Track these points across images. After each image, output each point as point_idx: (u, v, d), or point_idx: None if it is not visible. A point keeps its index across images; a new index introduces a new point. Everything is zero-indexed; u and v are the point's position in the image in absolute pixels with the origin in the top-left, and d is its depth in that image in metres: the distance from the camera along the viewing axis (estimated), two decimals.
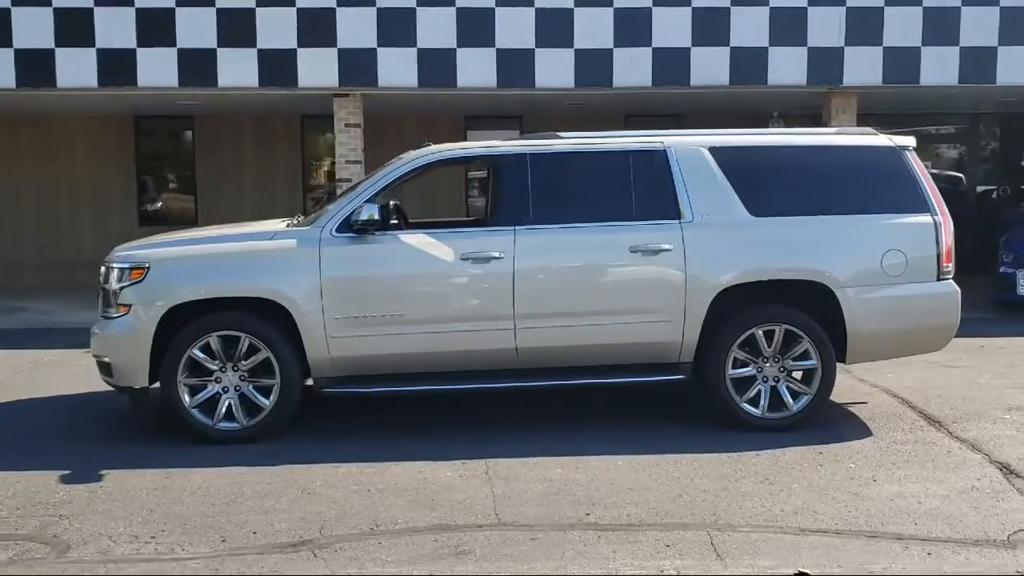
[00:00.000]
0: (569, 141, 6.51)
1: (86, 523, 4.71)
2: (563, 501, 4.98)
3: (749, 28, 11.43)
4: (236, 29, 11.19)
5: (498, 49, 11.33)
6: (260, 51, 11.26)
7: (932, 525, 4.63)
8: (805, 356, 6.28)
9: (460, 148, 6.54)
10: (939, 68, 11.62)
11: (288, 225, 6.63)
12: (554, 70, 11.39)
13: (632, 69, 11.39)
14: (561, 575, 4.07)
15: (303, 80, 11.35)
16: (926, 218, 6.36)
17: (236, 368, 6.07)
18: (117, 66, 11.18)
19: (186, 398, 6.05)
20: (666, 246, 6.19)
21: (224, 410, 6.07)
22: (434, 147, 6.51)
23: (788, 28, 11.47)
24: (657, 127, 15.14)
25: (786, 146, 6.56)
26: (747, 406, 6.28)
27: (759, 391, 6.30)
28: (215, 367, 6.06)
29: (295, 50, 11.27)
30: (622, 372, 6.34)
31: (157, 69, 11.20)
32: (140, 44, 11.16)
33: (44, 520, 4.76)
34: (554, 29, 11.30)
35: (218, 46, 11.22)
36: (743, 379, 6.30)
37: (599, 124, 14.50)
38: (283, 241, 6.16)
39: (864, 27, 11.52)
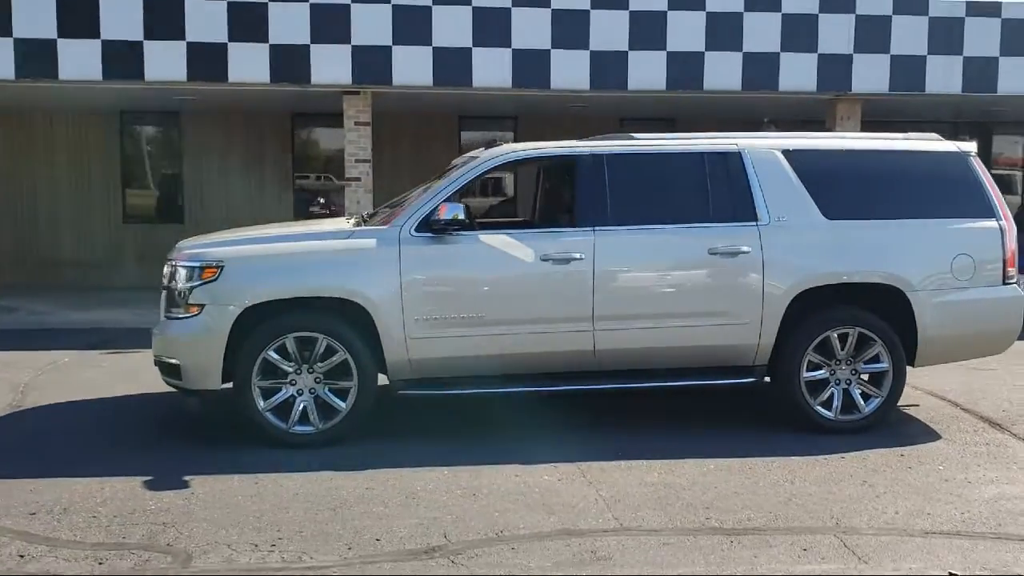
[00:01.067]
0: (645, 142, 6.47)
1: (196, 531, 4.52)
2: (675, 505, 4.93)
3: (761, 34, 11.53)
4: (247, 23, 10.93)
5: (514, 50, 11.26)
6: (272, 46, 11.01)
7: None
8: (877, 359, 6.33)
9: (536, 148, 6.45)
10: (944, 77, 11.87)
11: (355, 224, 6.49)
12: (569, 71, 11.36)
13: (648, 72, 11.40)
14: None
15: (316, 77, 11.13)
16: (992, 223, 6.47)
17: (312, 370, 5.90)
18: (122, 58, 10.82)
19: (260, 401, 5.86)
20: (744, 248, 6.18)
21: (299, 413, 5.90)
22: (511, 146, 6.42)
23: (799, 35, 11.61)
24: (653, 130, 15.30)
25: (857, 150, 6.61)
26: (821, 409, 6.30)
27: (832, 394, 6.33)
28: (290, 369, 5.88)
29: (308, 46, 11.05)
30: (697, 375, 6.32)
31: (165, 62, 10.88)
32: (147, 37, 10.82)
33: (150, 528, 4.56)
34: (570, 30, 11.27)
35: (229, 40, 10.95)
36: (816, 382, 6.32)
37: (595, 126, 14.53)
38: (361, 240, 6.00)
39: (872, 35, 11.71)
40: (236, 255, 5.91)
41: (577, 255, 6.05)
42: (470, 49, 11.21)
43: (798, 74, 11.68)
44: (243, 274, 5.86)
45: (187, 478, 5.30)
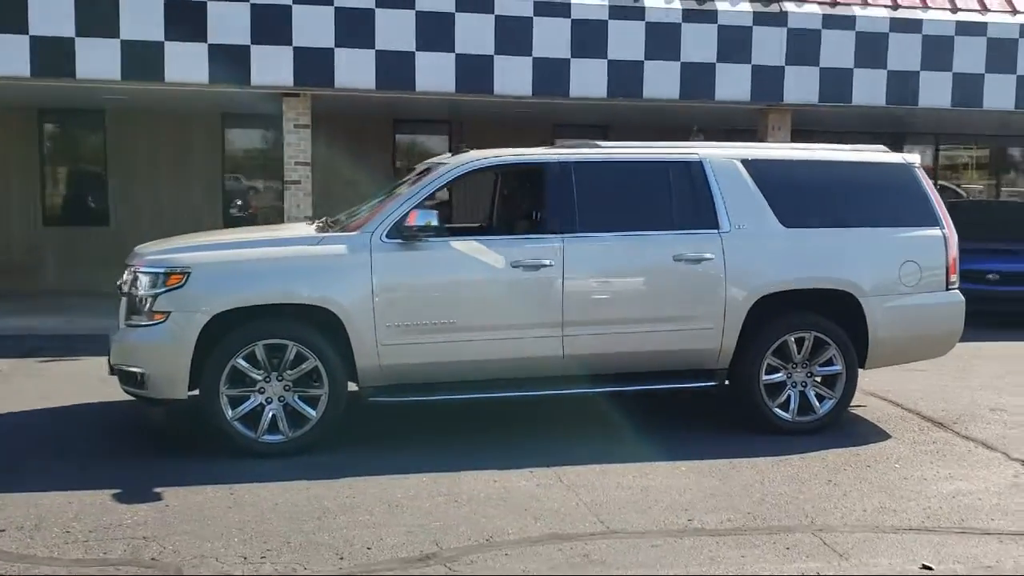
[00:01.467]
0: (610, 150, 6.58)
1: (178, 544, 4.42)
2: (656, 508, 5.03)
3: (698, 45, 11.80)
4: (185, 21, 10.67)
5: (458, 55, 11.27)
6: (211, 46, 10.78)
7: (1005, 520, 4.95)
8: (831, 362, 6.56)
9: (506, 155, 6.48)
10: (869, 89, 12.34)
11: (318, 229, 6.43)
12: (513, 78, 11.42)
13: (590, 80, 11.55)
14: None
15: (256, 78, 10.94)
16: (936, 231, 6.77)
17: (281, 378, 5.82)
18: (53, 56, 10.45)
19: (228, 410, 5.75)
20: (708, 255, 6.34)
21: (268, 422, 5.81)
22: (479, 153, 6.44)
23: (734, 47, 11.92)
24: (587, 137, 15.50)
25: (810, 160, 6.84)
26: (779, 410, 6.50)
27: (789, 396, 6.54)
28: (259, 377, 5.79)
29: (248, 47, 10.85)
30: (662, 378, 6.45)
31: (98, 61, 10.54)
32: (80, 33, 10.47)
33: (130, 543, 4.43)
34: (514, 37, 11.34)
35: (165, 39, 10.68)
36: (774, 384, 6.52)
37: (528, 132, 14.73)
38: (332, 246, 5.95)
39: (803, 49, 12.11)
40: (203, 261, 5.79)
41: (547, 261, 6.11)
42: (413, 54, 11.18)
43: (733, 85, 11.99)
44: (211, 280, 5.74)
45: (158, 490, 5.17)
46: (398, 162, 15.54)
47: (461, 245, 6.09)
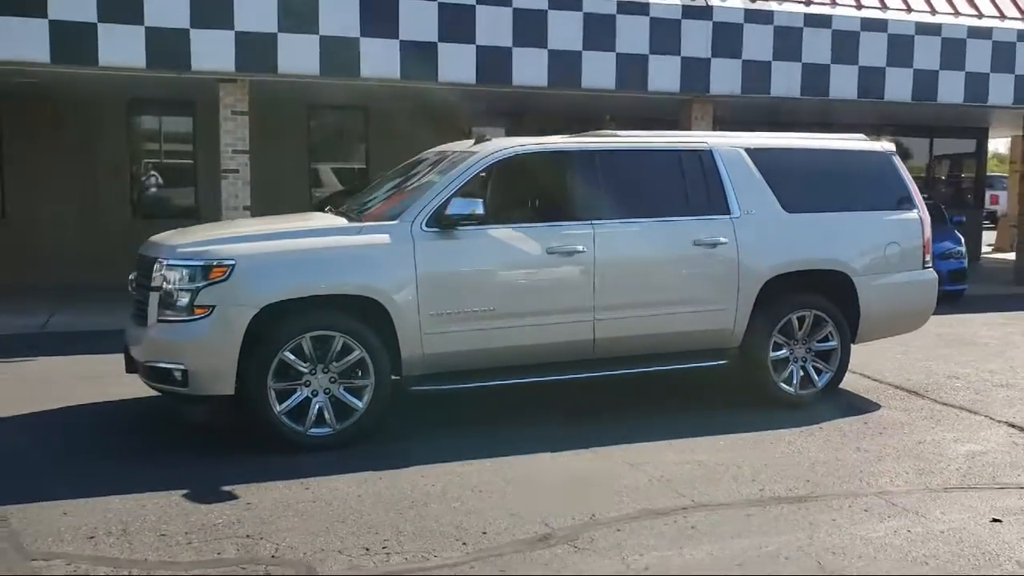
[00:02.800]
0: (629, 139, 6.78)
1: (291, 541, 4.34)
2: (724, 480, 5.28)
3: (632, 36, 12.14)
4: (120, 2, 10.13)
5: (402, 41, 11.18)
6: (148, 29, 10.28)
7: None
8: (827, 338, 7.01)
9: (537, 143, 6.57)
10: (786, 81, 13.03)
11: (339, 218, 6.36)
12: (457, 66, 11.42)
13: (532, 69, 11.70)
14: (823, 540, 4.42)
15: (197, 63, 10.50)
16: (914, 214, 7.33)
17: (327, 370, 5.74)
18: None
19: (276, 405, 5.63)
20: (722, 239, 6.65)
21: (315, 415, 5.72)
22: (511, 140, 6.51)
23: (665, 39, 12.33)
24: (505, 125, 15.61)
25: (805, 149, 7.26)
26: (784, 385, 6.90)
27: (792, 371, 6.95)
28: (306, 370, 5.69)
29: (188, 30, 10.41)
30: (680, 359, 6.71)
31: (26, 41, 9.88)
32: (4, 12, 9.78)
33: (238, 543, 4.32)
34: (457, 25, 11.34)
35: (99, 20, 10.11)
36: (779, 360, 6.91)
37: (447, 119, 14.79)
38: (375, 236, 5.89)
39: (727, 41, 12.65)
40: (247, 253, 5.63)
41: (579, 248, 6.26)
42: (358, 39, 11.01)
43: (665, 76, 12.40)
44: (257, 272, 5.59)
45: (227, 488, 5.02)
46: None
47: (498, 232, 6.15)
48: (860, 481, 5.30)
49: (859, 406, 7.03)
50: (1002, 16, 14.45)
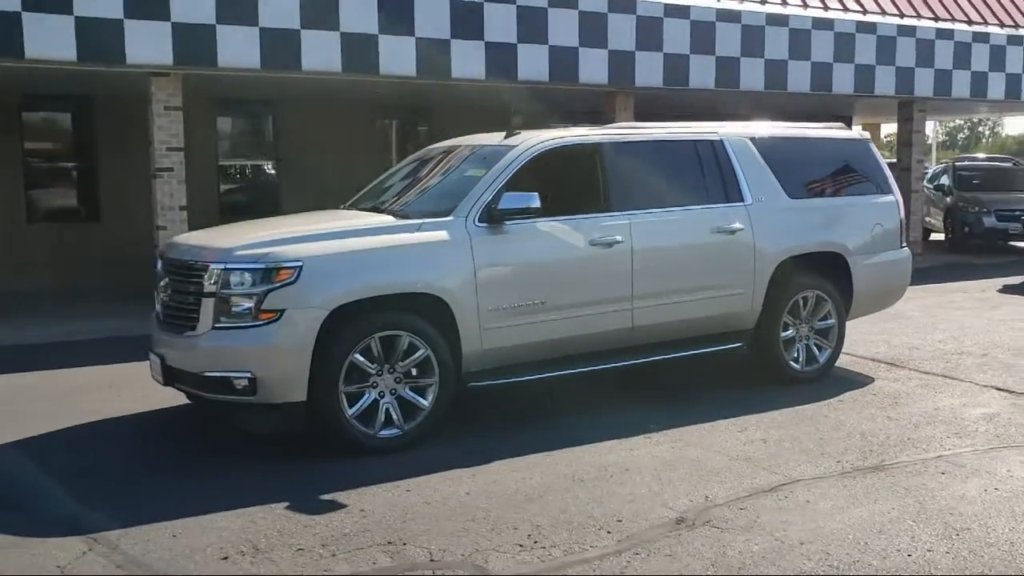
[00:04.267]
0: (652, 130, 6.95)
1: (438, 543, 4.28)
2: (796, 455, 5.54)
3: (563, 29, 12.33)
4: None
5: (343, 33, 10.93)
6: (78, 19, 9.62)
7: None
8: (827, 316, 7.43)
9: (572, 135, 6.61)
10: (702, 74, 13.56)
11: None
12: (397, 56, 11.28)
13: (468, 62, 11.69)
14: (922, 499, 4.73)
15: (132, 56, 9.90)
16: (892, 197, 7.86)
17: (392, 370, 5.63)
18: None
19: (347, 408, 5.48)
20: (740, 225, 6.93)
21: (384, 416, 5.61)
22: (549, 133, 6.53)
23: (593, 32, 12.58)
24: (411, 119, 15.56)
25: (799, 137, 7.64)
26: (792, 363, 7.27)
27: (798, 349, 7.33)
28: (373, 371, 5.56)
29: (122, 21, 9.80)
30: (704, 343, 6.94)
31: None
32: None
33: (384, 550, 4.22)
34: (399, 16, 11.18)
35: (23, 9, 9.37)
36: (788, 340, 7.27)
37: (346, 110, 14.61)
38: (433, 233, 5.80)
39: (649, 35, 13.04)
40: (314, 254, 5.43)
41: (619, 238, 6.38)
42: (299, 31, 10.68)
43: (594, 68, 12.66)
44: (326, 274, 5.41)
45: (326, 497, 4.87)
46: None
47: (545, 226, 6.17)
48: (915, 448, 5.68)
49: (855, 379, 7.48)
50: (883, 12, 15.53)
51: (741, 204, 7.01)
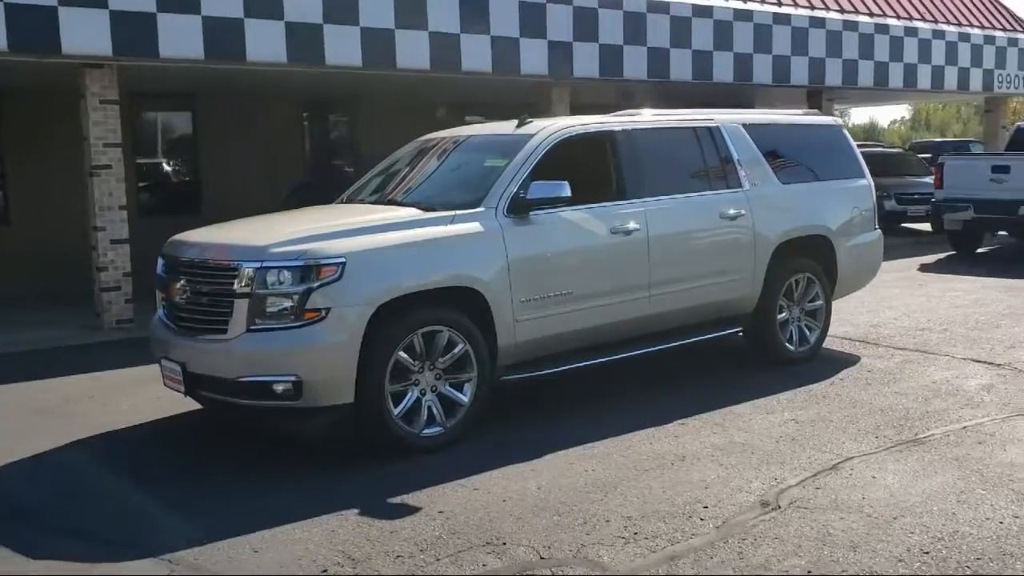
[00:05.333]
0: (658, 117, 6.97)
1: (538, 540, 4.17)
2: (833, 432, 5.66)
3: (504, 19, 12.23)
4: None
5: (287, 23, 10.52)
6: (8, 5, 8.92)
7: None
8: (816, 298, 7.64)
9: (587, 122, 6.54)
10: (635, 64, 13.71)
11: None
12: (343, 48, 10.95)
13: (413, 53, 11.46)
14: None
15: (68, 46, 9.25)
16: (865, 181, 8.13)
17: (433, 367, 5.47)
18: None
19: (393, 408, 5.29)
20: (742, 211, 7.04)
21: (426, 414, 5.44)
22: (565, 120, 6.46)
23: (533, 22, 12.53)
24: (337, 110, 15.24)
25: (786, 124, 7.81)
26: (787, 344, 7.44)
27: (791, 331, 7.50)
28: (416, 368, 5.39)
29: (56, 8, 9.14)
30: (709, 328, 7.01)
31: None
32: None
33: (489, 551, 4.09)
34: (344, 6, 10.85)
35: None
36: (783, 322, 7.44)
37: (274, 104, 14.20)
38: (466, 225, 5.64)
39: (585, 25, 13.09)
40: (356, 249, 5.19)
41: (636, 226, 6.38)
42: (242, 20, 10.22)
43: (535, 59, 12.61)
44: (370, 269, 5.19)
45: (395, 501, 4.70)
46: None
47: (569, 215, 6.10)
48: (937, 420, 5.89)
49: (841, 359, 7.70)
50: (796, 5, 16.07)
51: (740, 190, 7.11)
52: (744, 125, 7.37)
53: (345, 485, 4.96)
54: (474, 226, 5.66)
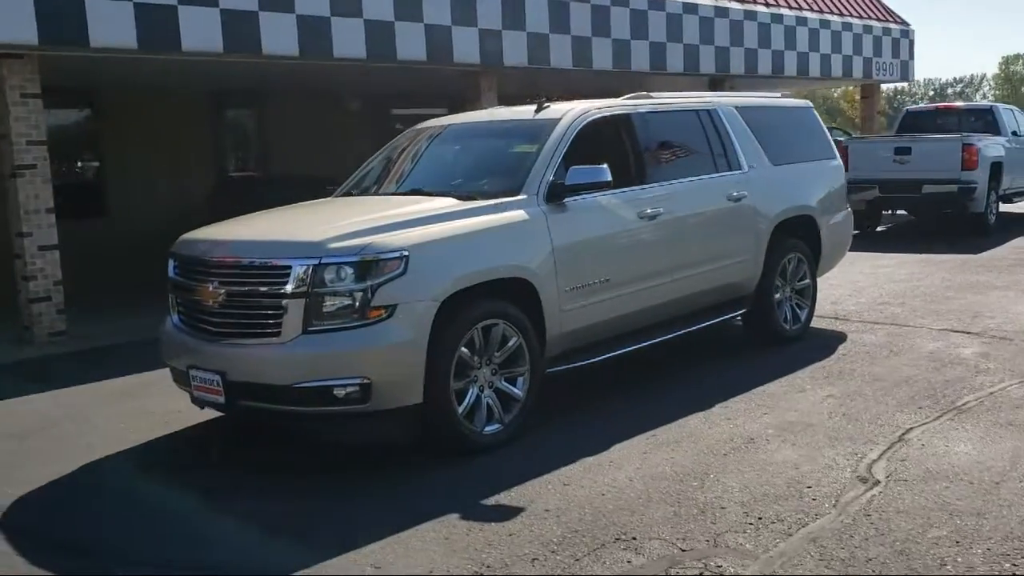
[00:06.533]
0: (667, 100, 6.92)
1: (663, 534, 4.05)
2: (875, 406, 5.76)
3: (437, 7, 11.95)
4: None
5: (222, 10, 9.93)
6: None
7: None
8: (804, 277, 7.80)
9: (604, 106, 6.38)
10: (560, 53, 13.67)
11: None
12: (277, 36, 10.42)
13: (349, 42, 11.05)
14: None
15: None
16: (837, 162, 8.36)
17: (489, 361, 5.25)
18: None
19: (457, 406, 5.04)
20: (744, 192, 7.09)
21: (486, 411, 5.22)
22: (593, 103, 6.29)
23: (464, 10, 12.28)
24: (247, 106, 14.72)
25: (770, 106, 7.91)
26: (783, 323, 7.57)
27: (784, 309, 7.63)
28: (476, 364, 5.16)
29: None
30: (717, 311, 7.03)
31: None
32: None
33: (627, 545, 3.93)
34: None
35: None
36: (778, 302, 7.55)
37: (180, 97, 13.53)
38: (514, 213, 5.43)
39: (514, 13, 12.94)
40: (419, 241, 4.91)
41: (660, 210, 6.32)
42: (176, 7, 9.58)
43: (465, 48, 12.38)
44: (433, 262, 4.92)
45: (489, 502, 4.48)
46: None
47: (602, 201, 5.96)
48: (963, 388, 6.08)
49: (830, 335, 7.88)
50: None
51: (740, 172, 7.16)
52: (737, 108, 7.42)
53: (420, 489, 4.69)
54: (520, 214, 5.46)
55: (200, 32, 9.78)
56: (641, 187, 6.32)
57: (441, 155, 6.47)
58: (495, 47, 12.77)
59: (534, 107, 6.32)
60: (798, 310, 7.75)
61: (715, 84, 17.75)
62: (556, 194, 5.66)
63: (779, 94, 8.45)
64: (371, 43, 11.30)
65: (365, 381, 4.71)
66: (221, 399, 5.01)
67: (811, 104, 8.49)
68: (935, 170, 14.43)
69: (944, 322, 8.17)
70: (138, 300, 9.34)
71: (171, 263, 5.52)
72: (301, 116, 15.82)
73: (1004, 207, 16.14)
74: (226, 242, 5.25)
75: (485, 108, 13.13)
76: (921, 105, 18.16)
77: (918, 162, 14.62)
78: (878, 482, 4.52)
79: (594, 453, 5.09)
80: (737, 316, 7.24)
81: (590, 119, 6.14)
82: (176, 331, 5.41)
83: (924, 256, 12.61)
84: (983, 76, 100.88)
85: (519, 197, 5.56)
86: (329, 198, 6.48)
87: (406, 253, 4.82)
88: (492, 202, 5.47)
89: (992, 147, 15.03)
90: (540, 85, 15.31)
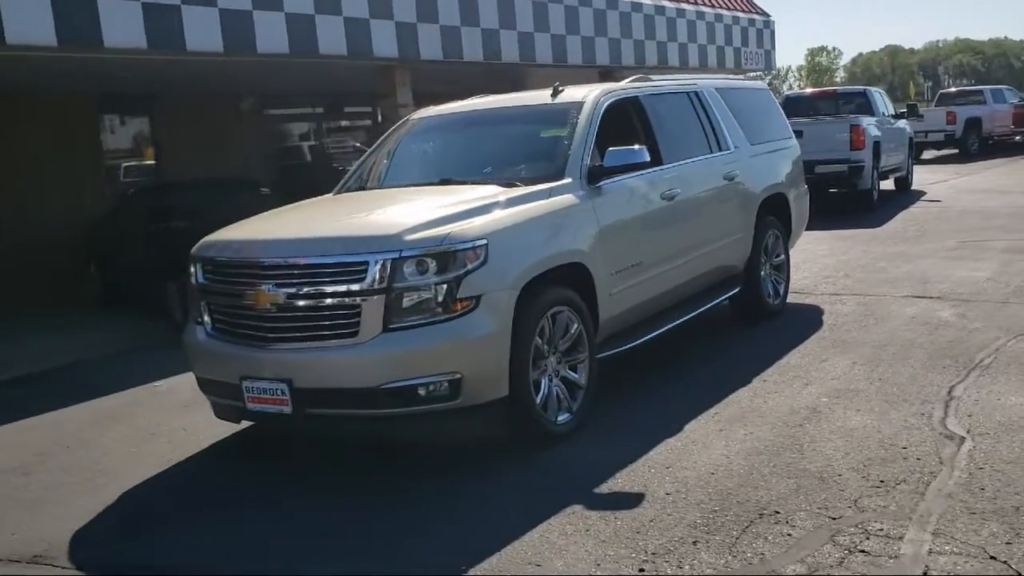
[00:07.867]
0: (668, 81, 6.96)
1: (803, 508, 4.05)
2: (906, 369, 5.96)
3: (358, 2, 11.60)
4: None
5: (143, 4, 9.25)
6: None
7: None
8: (779, 252, 8.01)
9: (616, 88, 6.31)
10: (472, 45, 13.52)
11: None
12: (203, 32, 9.81)
13: (272, 37, 10.55)
14: None
15: None
16: (795, 141, 8.64)
17: (555, 350, 5.11)
18: None
19: (534, 397, 4.89)
20: (736, 172, 7.21)
21: (556, 401, 5.09)
22: (611, 85, 6.21)
23: (380, 3, 11.96)
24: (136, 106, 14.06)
25: (739, 88, 8.06)
26: (768, 298, 7.75)
27: (767, 284, 7.82)
28: (547, 353, 5.01)
29: None
30: (718, 291, 7.10)
31: None
32: None
33: (784, 520, 3.91)
34: None
35: None
36: (763, 278, 7.73)
37: (68, 99, 12.68)
38: (564, 198, 5.30)
39: (427, 6, 12.70)
40: (493, 230, 4.70)
41: (678, 190, 6.33)
42: (96, 3, 8.85)
43: (384, 41, 12.06)
44: (510, 250, 4.74)
45: (602, 491, 4.36)
46: None
47: (630, 183, 5.91)
48: (969, 346, 6.38)
49: (806, 308, 8.11)
50: None
51: (729, 152, 7.27)
52: (717, 89, 7.54)
53: (519, 485, 4.51)
54: (570, 198, 5.34)
55: (121, 27, 9.07)
56: (660, 168, 6.31)
57: (461, 143, 6.26)
58: (411, 40, 12.50)
59: (549, 92, 6.19)
60: (777, 285, 7.95)
61: (605, 76, 18.05)
62: (596, 176, 5.57)
63: (741, 76, 8.62)
64: (292, 38, 10.82)
65: (455, 377, 4.49)
66: (287, 408, 4.65)
67: (767, 86, 8.73)
68: (826, 151, 15.13)
69: (899, 289, 8.56)
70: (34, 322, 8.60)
71: (197, 269, 5.09)
72: (192, 118, 15.03)
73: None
74: (278, 241, 4.87)
75: (401, 103, 13.01)
76: (798, 90, 19.16)
77: (809, 144, 15.24)
78: (963, 438, 4.68)
79: (669, 436, 5.03)
80: (733, 294, 7.34)
81: (612, 100, 6.09)
82: (213, 340, 4.98)
83: (832, 232, 13.16)
84: (789, 68, 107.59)
85: (565, 181, 5.43)
86: (345, 193, 6.15)
87: (484, 242, 4.62)
88: (543, 187, 5.32)
89: (873, 128, 15.94)
90: (456, 81, 15.16)
